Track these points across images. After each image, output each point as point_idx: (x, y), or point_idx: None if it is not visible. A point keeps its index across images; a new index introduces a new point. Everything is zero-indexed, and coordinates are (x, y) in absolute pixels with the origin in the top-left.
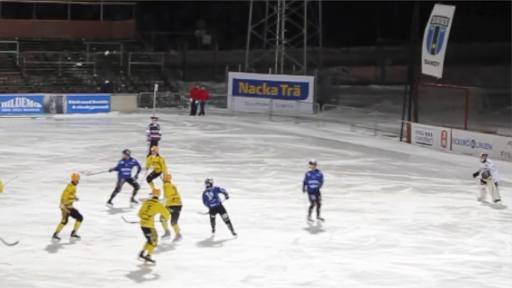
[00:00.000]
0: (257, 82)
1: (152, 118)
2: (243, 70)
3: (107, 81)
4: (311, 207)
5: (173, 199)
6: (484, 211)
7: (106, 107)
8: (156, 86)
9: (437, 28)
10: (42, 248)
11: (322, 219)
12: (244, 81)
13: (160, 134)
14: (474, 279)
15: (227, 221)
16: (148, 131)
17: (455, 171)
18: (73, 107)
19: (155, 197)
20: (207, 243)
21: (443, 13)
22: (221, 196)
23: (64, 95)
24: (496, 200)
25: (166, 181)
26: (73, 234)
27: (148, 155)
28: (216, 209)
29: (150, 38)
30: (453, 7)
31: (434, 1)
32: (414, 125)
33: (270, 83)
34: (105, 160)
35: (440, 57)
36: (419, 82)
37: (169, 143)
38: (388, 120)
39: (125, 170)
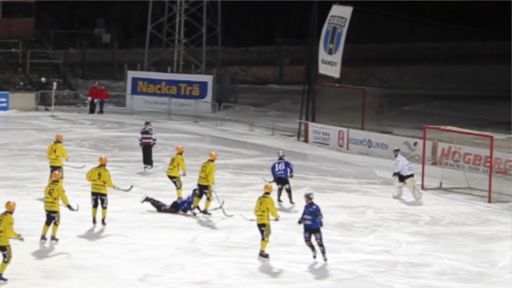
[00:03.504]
0: (156, 81)
1: (146, 123)
2: (142, 69)
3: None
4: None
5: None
6: (380, 211)
7: (4, 105)
8: (55, 83)
9: (334, 28)
10: None
11: (325, 260)
12: (143, 80)
13: (154, 139)
14: (370, 277)
15: (289, 191)
16: (140, 135)
17: (352, 171)
18: None
19: (267, 193)
20: (105, 242)
21: (341, 13)
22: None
23: None
24: (418, 198)
25: (179, 153)
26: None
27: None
28: (280, 179)
29: (49, 36)
30: (350, 8)
31: (333, 2)
32: (311, 125)
33: (169, 82)
34: (3, 158)
35: (337, 57)
36: (317, 82)
37: (67, 142)
38: (286, 120)
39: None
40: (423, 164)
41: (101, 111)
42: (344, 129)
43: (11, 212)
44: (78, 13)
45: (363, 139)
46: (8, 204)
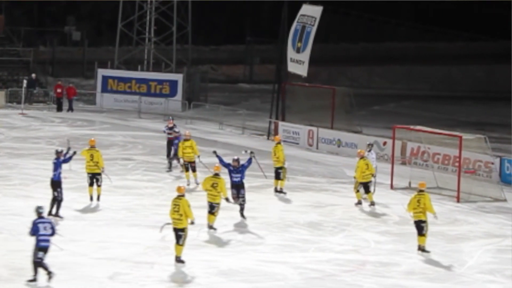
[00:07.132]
0: (126, 79)
1: (168, 119)
2: (112, 67)
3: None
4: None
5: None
6: (349, 210)
7: None
8: (25, 81)
9: (303, 27)
10: None
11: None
12: (113, 78)
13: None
14: (338, 277)
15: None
16: (166, 130)
17: (321, 170)
18: None
19: (421, 191)
20: (74, 239)
21: (311, 12)
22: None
23: None
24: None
25: (278, 142)
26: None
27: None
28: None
29: (19, 34)
30: (320, 8)
31: (303, 2)
32: (281, 124)
33: (139, 80)
34: None
35: (305, 56)
36: (287, 81)
37: (37, 139)
38: (256, 119)
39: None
40: (392, 163)
41: (70, 109)
42: (314, 129)
43: (183, 196)
44: (49, 11)
45: (333, 138)
46: (179, 188)
